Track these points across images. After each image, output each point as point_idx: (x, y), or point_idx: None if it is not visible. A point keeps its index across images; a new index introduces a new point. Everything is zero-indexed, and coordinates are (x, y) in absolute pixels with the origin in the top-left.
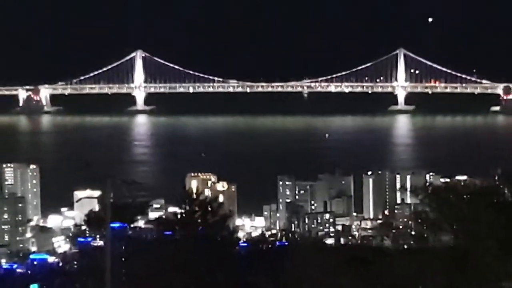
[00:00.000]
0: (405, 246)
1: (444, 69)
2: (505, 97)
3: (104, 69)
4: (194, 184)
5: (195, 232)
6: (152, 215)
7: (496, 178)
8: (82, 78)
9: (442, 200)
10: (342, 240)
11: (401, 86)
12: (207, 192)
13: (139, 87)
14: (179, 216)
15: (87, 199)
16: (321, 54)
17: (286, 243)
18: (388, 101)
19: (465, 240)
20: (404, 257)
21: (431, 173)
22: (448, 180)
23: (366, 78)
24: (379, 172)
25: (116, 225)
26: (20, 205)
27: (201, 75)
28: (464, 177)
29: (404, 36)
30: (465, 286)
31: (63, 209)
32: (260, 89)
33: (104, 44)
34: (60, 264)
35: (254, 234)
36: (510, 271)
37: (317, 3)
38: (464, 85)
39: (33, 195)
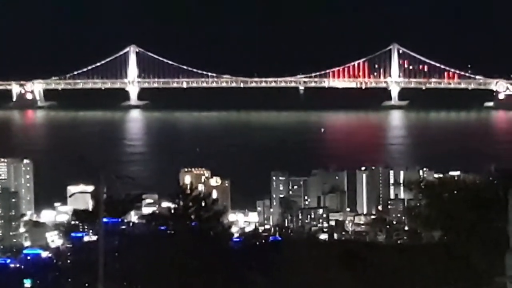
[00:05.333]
0: (399, 242)
1: (438, 64)
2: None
3: (98, 64)
4: (187, 179)
5: (188, 227)
6: (146, 210)
7: (490, 174)
8: (75, 73)
9: (434, 195)
10: (335, 236)
11: (394, 81)
12: (201, 187)
13: (132, 82)
14: (172, 211)
15: (80, 194)
16: (315, 49)
17: (280, 238)
18: (381, 96)
19: (453, 236)
20: (398, 252)
21: (424, 169)
22: (441, 175)
23: (360, 74)
24: (373, 167)
25: (107, 220)
26: (13, 200)
27: (195, 70)
28: (458, 173)
29: (398, 31)
30: (458, 282)
31: (56, 204)
32: (253, 84)
33: (98, 39)
34: (54, 259)
35: (247, 229)
36: (501, 267)
37: None
38: (458, 80)
39: (26, 190)
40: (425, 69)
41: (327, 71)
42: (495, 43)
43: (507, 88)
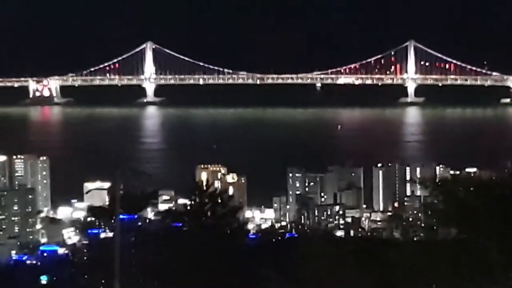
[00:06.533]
0: (415, 238)
1: (454, 61)
2: None
3: (114, 60)
4: (204, 176)
5: (204, 223)
6: (162, 206)
7: (506, 170)
8: (92, 69)
9: (449, 192)
10: (351, 232)
11: (411, 78)
12: (217, 184)
13: (149, 78)
14: (189, 208)
15: (97, 191)
16: (332, 46)
17: (296, 235)
18: (398, 93)
19: (468, 233)
20: (414, 249)
21: (440, 165)
22: (457, 172)
23: (376, 70)
24: (389, 164)
25: (123, 216)
26: (30, 196)
27: (211, 66)
28: (474, 170)
29: (415, 28)
30: (474, 278)
31: (73, 201)
32: (270, 81)
33: (114, 35)
34: (70, 255)
35: (263, 226)
36: None
37: None
38: (474, 77)
39: (43, 187)
40: (442, 66)
41: (344, 67)
42: (511, 40)
43: None
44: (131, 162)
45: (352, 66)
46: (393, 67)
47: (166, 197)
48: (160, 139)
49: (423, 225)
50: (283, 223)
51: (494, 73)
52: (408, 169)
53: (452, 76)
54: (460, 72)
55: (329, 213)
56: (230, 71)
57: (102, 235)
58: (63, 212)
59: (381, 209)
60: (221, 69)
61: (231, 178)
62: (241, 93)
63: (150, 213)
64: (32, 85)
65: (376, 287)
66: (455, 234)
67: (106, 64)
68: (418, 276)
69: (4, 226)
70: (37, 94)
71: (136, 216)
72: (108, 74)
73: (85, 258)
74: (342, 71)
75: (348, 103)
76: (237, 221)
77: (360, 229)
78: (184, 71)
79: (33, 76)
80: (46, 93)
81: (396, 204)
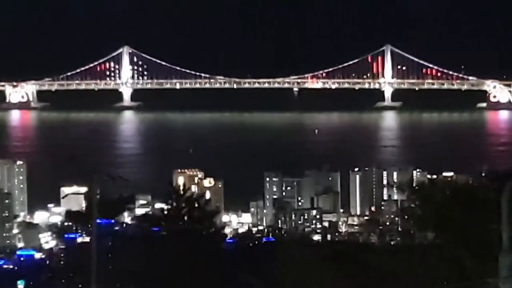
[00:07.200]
0: (391, 243)
1: (431, 65)
2: None
3: (91, 65)
4: (181, 180)
5: (181, 228)
6: (139, 211)
7: (482, 175)
8: (68, 74)
9: (426, 196)
10: (328, 237)
11: (388, 82)
12: (194, 188)
13: (125, 83)
14: (165, 212)
15: (73, 195)
16: (308, 50)
17: (273, 239)
18: (375, 97)
19: (445, 237)
20: (390, 253)
21: (417, 170)
22: (434, 176)
23: (353, 75)
24: (366, 168)
25: (100, 221)
26: (6, 201)
27: (188, 71)
28: (451, 174)
29: (391, 32)
30: (450, 283)
31: (50, 205)
32: (247, 85)
33: (91, 39)
34: (47, 260)
35: (240, 230)
36: (494, 268)
37: None
38: (451, 81)
39: (19, 191)
40: (418, 70)
41: (321, 72)
42: (488, 44)
43: (500, 89)
44: (108, 166)
45: (330, 70)
46: (369, 71)
47: (143, 201)
48: (137, 143)
49: (399, 229)
50: (260, 228)
51: (470, 78)
52: (385, 173)
53: (429, 81)
54: (437, 76)
55: (306, 217)
56: (207, 75)
57: (79, 240)
58: (40, 217)
59: (358, 213)
60: (198, 74)
61: (208, 182)
62: (218, 98)
63: (127, 218)
64: (8, 89)
65: None
66: (431, 239)
67: (82, 68)
68: (394, 280)
69: None
70: (14, 98)
71: (113, 221)
72: (84, 79)
73: (62, 262)
74: (319, 75)
75: (325, 107)
76: (214, 225)
77: (337, 233)
78: (161, 76)
79: (9, 80)
80: (22, 97)
81: (373, 209)
